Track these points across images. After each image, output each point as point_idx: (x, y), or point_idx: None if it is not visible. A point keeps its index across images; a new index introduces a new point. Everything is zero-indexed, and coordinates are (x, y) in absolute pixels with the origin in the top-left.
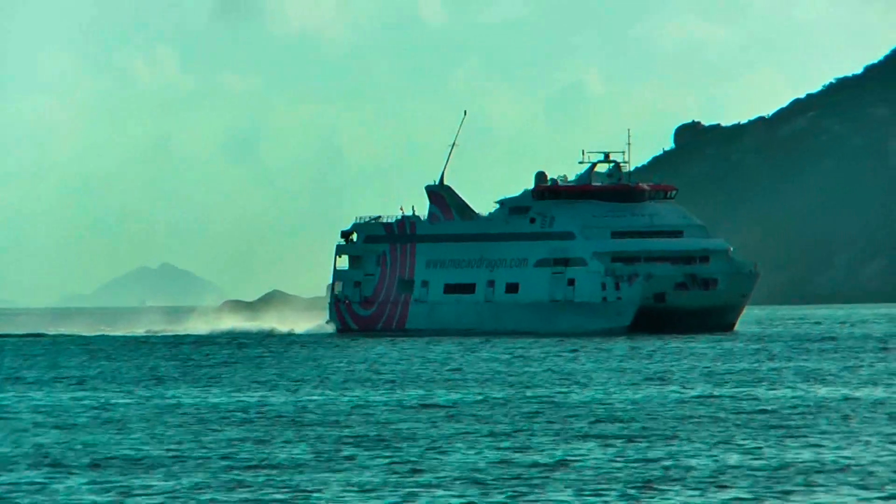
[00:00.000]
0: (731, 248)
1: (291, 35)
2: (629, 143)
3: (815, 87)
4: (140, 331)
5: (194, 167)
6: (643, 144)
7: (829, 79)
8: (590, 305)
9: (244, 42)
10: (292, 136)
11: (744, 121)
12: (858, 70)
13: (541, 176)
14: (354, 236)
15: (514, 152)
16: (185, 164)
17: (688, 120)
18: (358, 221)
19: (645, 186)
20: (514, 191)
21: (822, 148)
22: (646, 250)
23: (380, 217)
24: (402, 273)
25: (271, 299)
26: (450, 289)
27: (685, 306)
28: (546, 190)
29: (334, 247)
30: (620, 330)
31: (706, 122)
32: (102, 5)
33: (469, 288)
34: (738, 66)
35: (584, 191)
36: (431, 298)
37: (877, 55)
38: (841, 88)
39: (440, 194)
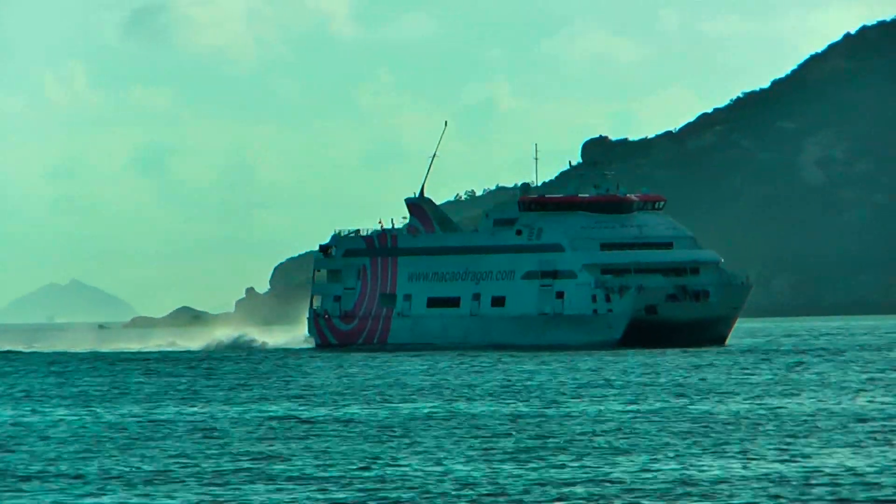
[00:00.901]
0: (722, 260)
1: (201, 51)
2: (536, 158)
3: (723, 102)
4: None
5: (103, 183)
6: (551, 159)
7: (736, 93)
8: (580, 318)
9: (153, 58)
10: (202, 153)
11: (651, 135)
12: (766, 84)
13: (525, 187)
14: (333, 250)
15: (424, 168)
16: (95, 180)
17: (595, 134)
18: (336, 234)
19: (633, 197)
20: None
21: (731, 162)
22: (636, 262)
23: (359, 230)
24: (383, 287)
25: (181, 315)
26: (433, 302)
27: (677, 319)
28: (533, 202)
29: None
30: (611, 343)
31: (614, 137)
32: (10, 20)
33: (454, 301)
34: (646, 80)
35: (571, 202)
36: (414, 312)
37: (784, 69)
38: (749, 103)
39: (420, 207)
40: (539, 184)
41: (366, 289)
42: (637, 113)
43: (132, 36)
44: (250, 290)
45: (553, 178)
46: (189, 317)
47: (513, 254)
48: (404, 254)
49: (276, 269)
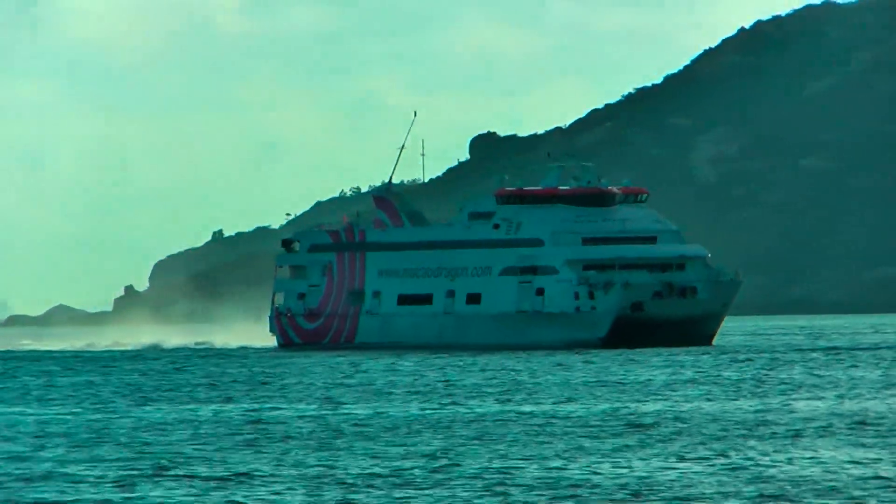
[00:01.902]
0: (709, 255)
1: (79, 42)
2: (423, 154)
3: (614, 97)
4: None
5: None
6: (438, 155)
7: (628, 88)
8: (562, 316)
9: (27, 49)
10: (78, 148)
11: (541, 131)
12: (658, 79)
13: (502, 180)
14: (297, 245)
15: (310, 163)
16: None
17: (483, 130)
18: (300, 229)
19: (615, 190)
20: (306, 204)
21: (622, 158)
22: (620, 257)
23: (322, 225)
24: (350, 283)
25: (57, 314)
26: (405, 300)
27: (663, 316)
28: (511, 194)
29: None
30: (595, 342)
31: (502, 133)
32: None
33: (426, 299)
34: (535, 75)
35: (551, 195)
36: (384, 310)
37: (676, 65)
38: (640, 98)
39: (388, 200)
40: (426, 180)
41: (332, 285)
42: (524, 109)
43: (5, 26)
44: (129, 288)
45: (441, 174)
46: (66, 316)
47: (490, 249)
48: (373, 249)
49: (155, 266)
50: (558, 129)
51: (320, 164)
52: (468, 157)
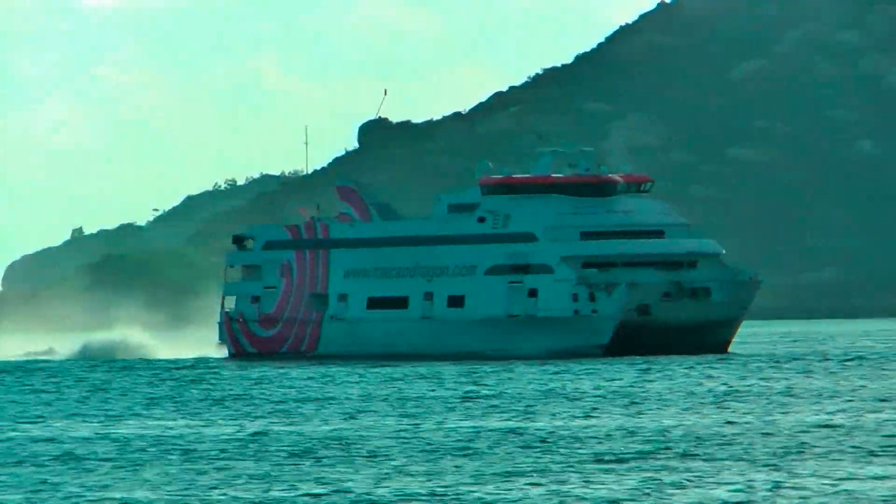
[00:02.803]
0: (724, 252)
1: None
2: (307, 143)
3: (519, 80)
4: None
5: None
6: (323, 143)
7: (534, 70)
8: (558, 321)
9: None
10: None
11: (437, 117)
12: (569, 60)
13: (484, 167)
14: (250, 242)
15: (179, 153)
16: None
17: (373, 116)
18: (254, 225)
19: (617, 178)
20: (175, 198)
21: (528, 148)
22: (624, 254)
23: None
24: (312, 285)
25: None
26: (375, 303)
27: (673, 321)
28: (498, 183)
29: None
30: (596, 350)
31: (394, 119)
32: None
33: (400, 302)
34: (431, 55)
35: (544, 183)
36: (351, 315)
37: (589, 43)
38: (548, 80)
39: (354, 191)
40: (310, 171)
41: (290, 288)
42: (418, 92)
43: None
44: None
45: (326, 164)
46: None
47: (474, 245)
48: (338, 246)
49: (8, 267)
50: (457, 114)
51: (190, 153)
52: (357, 145)
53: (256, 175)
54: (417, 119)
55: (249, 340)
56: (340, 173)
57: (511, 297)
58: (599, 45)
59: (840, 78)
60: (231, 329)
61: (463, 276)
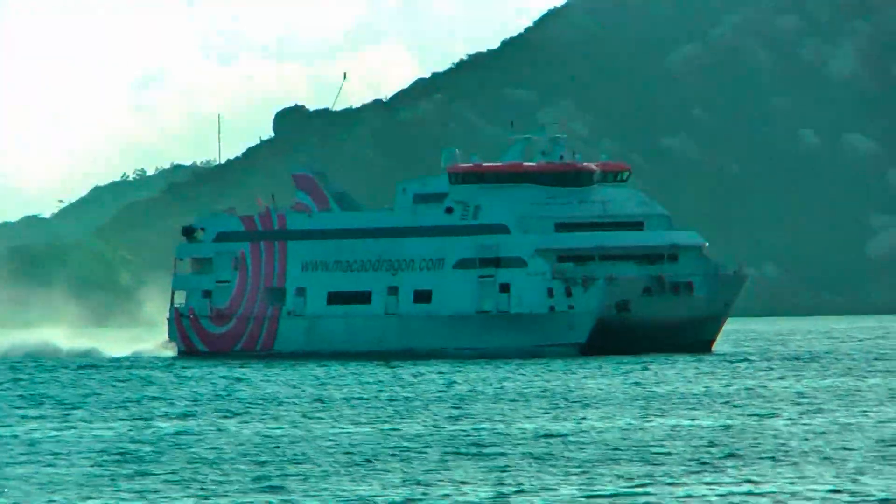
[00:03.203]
0: (707, 244)
1: None
2: (220, 131)
3: (443, 66)
4: None
5: None
6: (236, 132)
7: (459, 55)
8: (532, 318)
9: None
10: None
11: (357, 105)
12: (495, 45)
13: (451, 155)
14: (201, 233)
15: (85, 142)
16: None
17: (290, 104)
18: (203, 215)
19: (593, 166)
20: (82, 189)
21: (452, 137)
22: (602, 246)
23: (232, 209)
24: (268, 279)
25: None
26: (336, 298)
27: (654, 318)
28: (467, 172)
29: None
30: (572, 349)
31: (311, 107)
32: None
33: (362, 297)
34: (351, 39)
35: (516, 172)
36: (310, 311)
37: (516, 28)
38: (473, 67)
39: (311, 179)
40: (223, 161)
41: (245, 282)
42: (337, 79)
43: None
44: None
45: (240, 154)
46: None
47: (442, 237)
48: (296, 237)
49: None
50: (378, 102)
51: (97, 143)
52: (272, 134)
53: (167, 165)
54: (336, 107)
55: (201, 338)
56: (254, 163)
57: (482, 292)
58: (527, 29)
59: (779, 65)
60: (181, 325)
61: (430, 269)
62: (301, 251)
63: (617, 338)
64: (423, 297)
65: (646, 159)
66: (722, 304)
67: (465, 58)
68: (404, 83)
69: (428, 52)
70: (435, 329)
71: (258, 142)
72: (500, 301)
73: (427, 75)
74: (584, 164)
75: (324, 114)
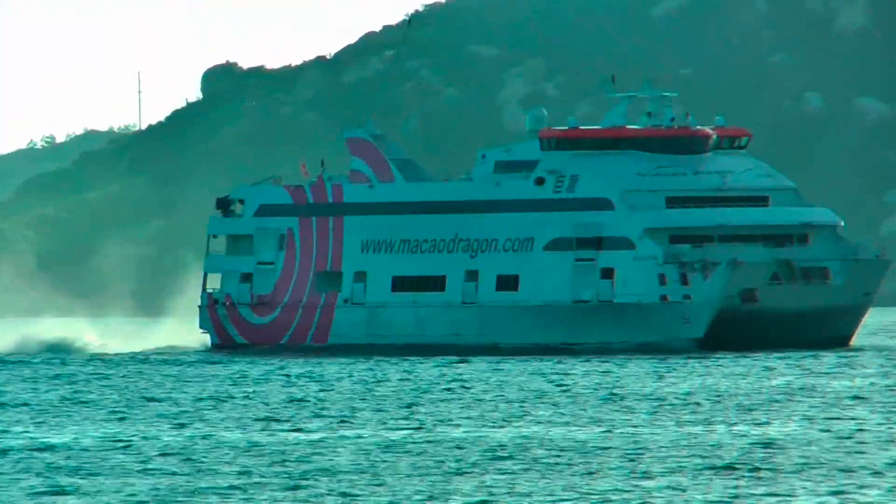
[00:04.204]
0: (842, 223)
1: None
2: (140, 92)
3: (395, 18)
4: None
5: None
6: (159, 93)
7: (415, 7)
8: (640, 309)
9: None
10: None
11: (297, 62)
12: None
13: (540, 117)
14: (239, 206)
15: None
16: None
17: (220, 61)
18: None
19: (709, 131)
20: None
21: (406, 100)
22: (724, 224)
23: (277, 179)
24: (321, 261)
25: None
26: (402, 284)
27: (785, 309)
28: (562, 136)
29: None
30: (688, 344)
31: (245, 65)
32: None
33: (435, 283)
34: None
35: (618, 137)
36: (371, 299)
37: None
38: (430, 19)
39: (370, 143)
40: (144, 127)
41: (293, 264)
42: (273, 34)
43: None
44: None
45: (164, 119)
46: None
47: (532, 213)
48: (354, 212)
49: None
50: (320, 59)
51: (1, 107)
52: (200, 96)
53: (80, 132)
54: (273, 64)
55: (239, 329)
56: (180, 129)
57: (579, 278)
58: None
59: (780, 18)
60: (216, 314)
61: (516, 251)
62: (361, 228)
63: (740, 332)
64: (508, 283)
65: None
66: (862, 294)
67: (420, 9)
68: (350, 38)
69: (378, 2)
70: (522, 321)
71: (184, 104)
72: (601, 289)
73: (377, 29)
74: (699, 128)
75: (258, 73)
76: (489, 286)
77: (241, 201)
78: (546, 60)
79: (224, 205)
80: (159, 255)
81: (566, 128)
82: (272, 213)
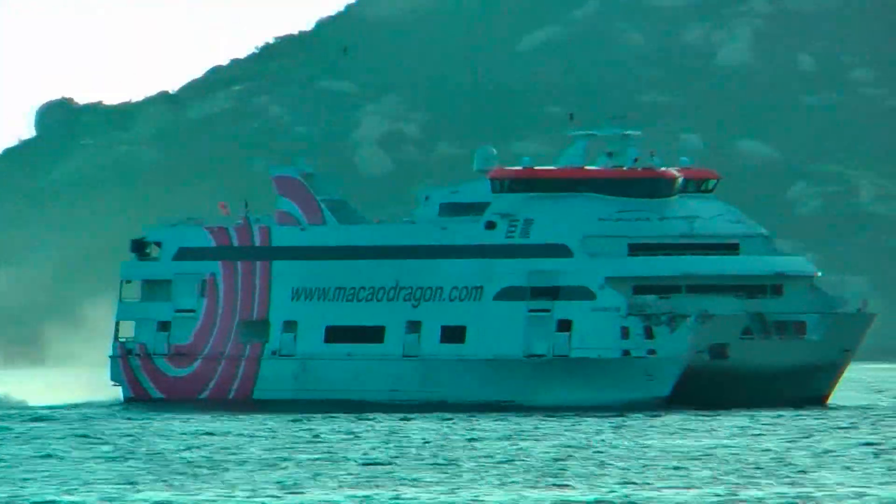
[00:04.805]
0: (819, 273)
1: None
2: None
3: (244, 52)
4: None
5: None
6: None
7: (264, 39)
8: (600, 364)
9: None
10: None
11: (139, 98)
12: (307, 26)
13: (488, 155)
14: (156, 249)
15: None
16: None
17: (56, 96)
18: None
19: (675, 172)
20: None
21: (254, 138)
22: (690, 274)
23: (198, 219)
24: (245, 309)
25: None
26: (337, 335)
27: (758, 365)
28: (515, 177)
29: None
30: (653, 402)
31: (82, 101)
32: None
33: (374, 333)
34: (132, 23)
35: (576, 178)
36: (302, 350)
37: (334, 5)
38: (281, 52)
39: (299, 183)
40: None
41: (214, 312)
42: (118, 68)
43: None
44: None
45: None
46: None
47: (481, 259)
48: (283, 256)
49: None
50: (164, 94)
51: None
52: (34, 133)
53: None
54: (111, 100)
55: (155, 381)
56: (11, 167)
57: (533, 330)
58: (347, 7)
59: (659, 53)
60: (129, 365)
61: (464, 300)
62: (291, 274)
63: (708, 390)
64: (454, 334)
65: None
66: (840, 350)
67: (271, 41)
68: (196, 72)
69: (225, 35)
70: (469, 376)
71: (17, 142)
72: (557, 342)
73: (224, 62)
74: (664, 169)
75: (96, 109)
76: (433, 338)
77: (158, 243)
78: (404, 96)
79: (139, 247)
80: None
81: (520, 167)
82: (192, 256)
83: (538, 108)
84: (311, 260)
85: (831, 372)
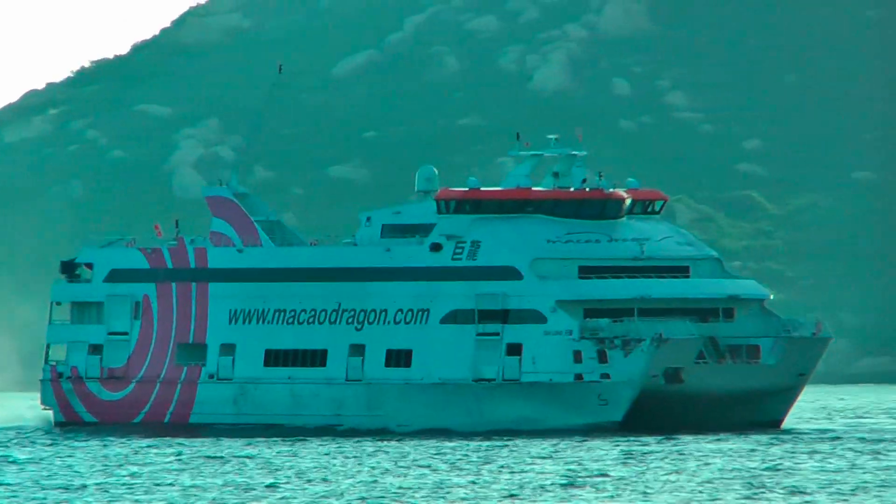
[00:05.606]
0: (771, 296)
1: None
2: None
3: (60, 75)
4: None
5: None
6: None
7: (80, 62)
8: (552, 389)
9: None
10: None
11: None
12: (124, 50)
13: (430, 175)
14: (87, 271)
15: None
16: None
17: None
18: (91, 245)
19: (623, 194)
20: None
21: (70, 160)
22: (643, 297)
23: (130, 241)
24: (182, 332)
25: None
26: (277, 358)
27: (713, 390)
28: (461, 198)
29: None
30: (606, 427)
31: None
32: None
33: (315, 357)
34: None
35: (524, 200)
36: (241, 374)
37: (151, 29)
38: (98, 76)
39: (234, 203)
40: None
41: (149, 335)
42: None
43: None
44: None
45: None
46: None
47: (427, 281)
48: (220, 278)
49: None
50: None
51: None
52: None
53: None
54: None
55: (88, 405)
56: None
57: (482, 354)
58: (164, 31)
59: (475, 76)
60: (61, 389)
61: (409, 323)
62: (229, 296)
63: (662, 414)
64: (399, 358)
65: (310, 192)
66: (795, 375)
67: (87, 65)
68: (12, 97)
69: (41, 58)
70: (415, 401)
71: None
72: (507, 366)
73: (40, 87)
74: (613, 191)
75: None
76: (377, 361)
77: (89, 265)
78: (221, 120)
79: (69, 269)
80: None
81: (466, 188)
82: (125, 278)
83: (355, 132)
84: (250, 282)
85: (787, 396)
